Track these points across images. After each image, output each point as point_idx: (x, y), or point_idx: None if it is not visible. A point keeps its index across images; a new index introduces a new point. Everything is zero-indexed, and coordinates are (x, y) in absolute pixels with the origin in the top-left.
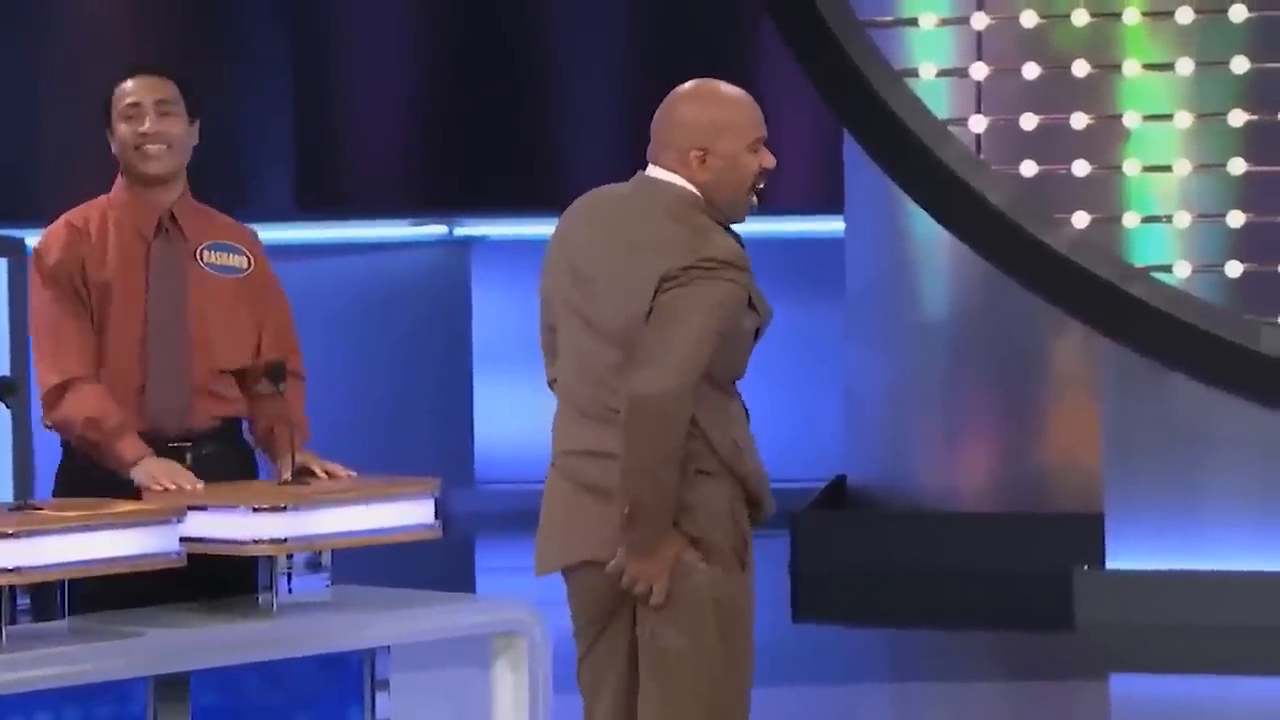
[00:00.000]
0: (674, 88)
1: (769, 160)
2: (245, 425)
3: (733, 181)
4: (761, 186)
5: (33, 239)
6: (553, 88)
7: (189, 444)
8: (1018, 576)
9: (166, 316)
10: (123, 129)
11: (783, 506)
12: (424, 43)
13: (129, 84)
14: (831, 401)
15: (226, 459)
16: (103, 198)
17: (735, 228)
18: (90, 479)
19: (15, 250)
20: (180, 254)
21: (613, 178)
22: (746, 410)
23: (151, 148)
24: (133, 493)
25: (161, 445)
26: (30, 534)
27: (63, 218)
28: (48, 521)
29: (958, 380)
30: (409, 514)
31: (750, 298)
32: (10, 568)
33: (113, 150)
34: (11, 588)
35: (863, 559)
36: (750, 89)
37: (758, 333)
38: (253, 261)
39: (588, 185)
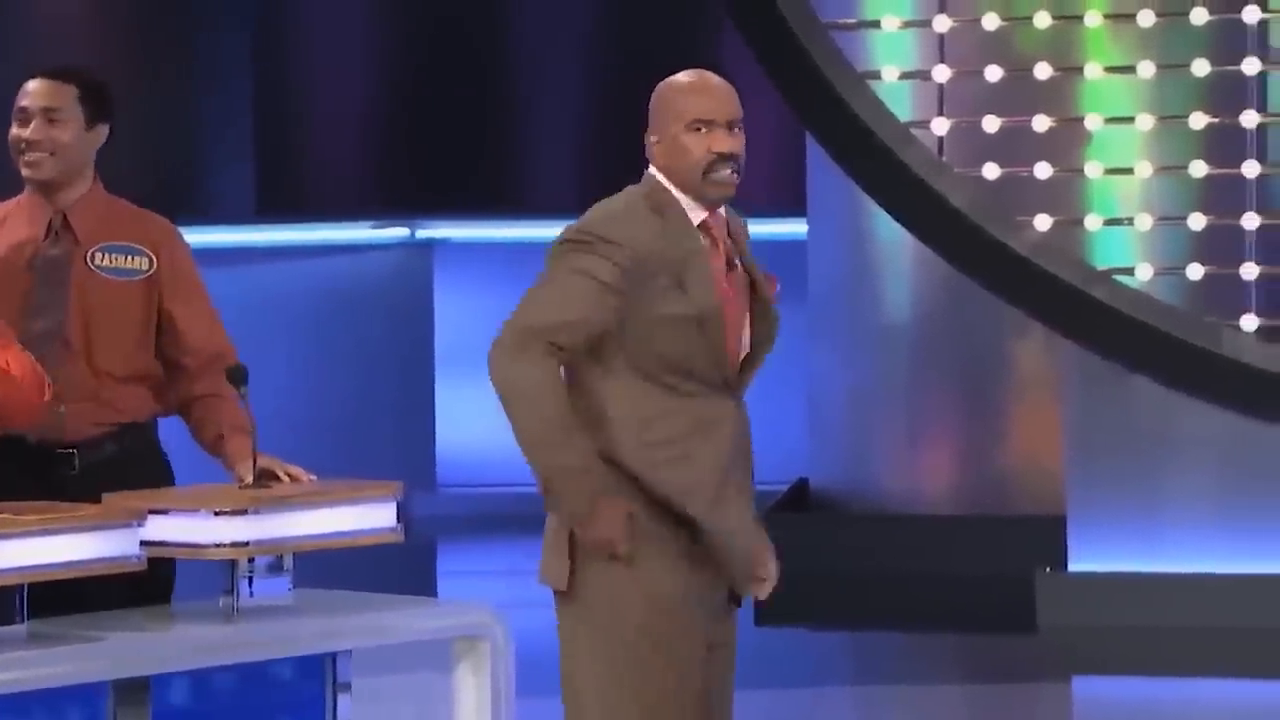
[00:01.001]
0: (635, 89)
1: (717, 143)
2: (155, 426)
3: (681, 165)
4: (728, 171)
5: None
6: (516, 89)
7: (73, 451)
8: (980, 579)
9: (45, 323)
10: (12, 132)
11: None
12: (386, 43)
13: (27, 86)
14: (794, 404)
15: (126, 464)
16: (14, 199)
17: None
18: None
19: None
20: (67, 257)
21: (575, 179)
22: (742, 417)
23: (30, 155)
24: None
25: (49, 453)
26: None
27: None
28: (5, 525)
29: (920, 383)
30: (371, 517)
31: (685, 281)
32: None
33: None
34: None
35: (825, 561)
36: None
37: (711, 327)
38: (154, 261)
39: (550, 187)
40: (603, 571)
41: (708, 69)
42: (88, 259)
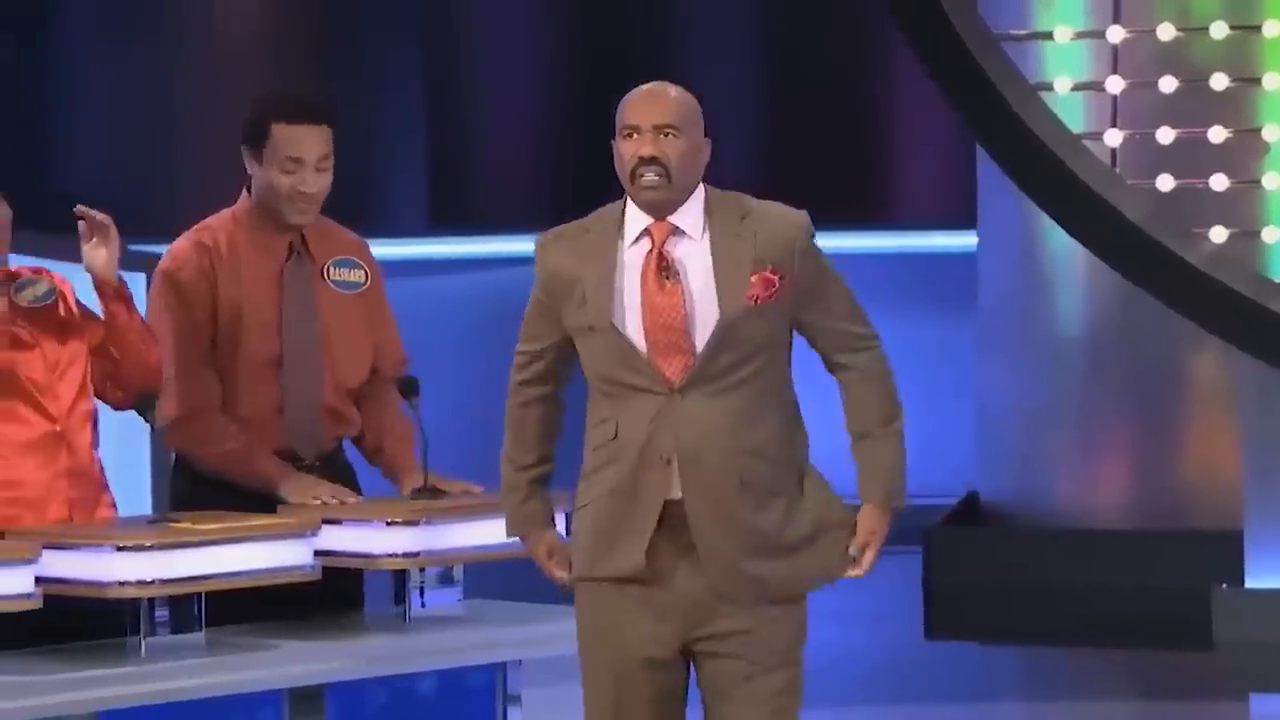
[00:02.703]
0: (802, 101)
1: (640, 147)
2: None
3: (620, 173)
4: (650, 174)
5: None
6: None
7: (319, 465)
8: (1155, 594)
9: (302, 341)
10: (281, 180)
11: (915, 522)
12: (555, 56)
13: (295, 131)
14: (963, 417)
15: (346, 477)
16: (227, 213)
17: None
18: (200, 493)
19: (153, 264)
20: (311, 275)
21: (737, 182)
22: (698, 414)
23: (305, 206)
24: (242, 505)
25: (297, 468)
26: (168, 547)
27: (188, 235)
28: (185, 535)
29: (1092, 395)
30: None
31: (586, 294)
32: (149, 580)
33: (250, 174)
34: (150, 600)
35: (996, 575)
36: (883, 103)
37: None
38: (369, 275)
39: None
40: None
41: (878, 81)
42: (324, 274)
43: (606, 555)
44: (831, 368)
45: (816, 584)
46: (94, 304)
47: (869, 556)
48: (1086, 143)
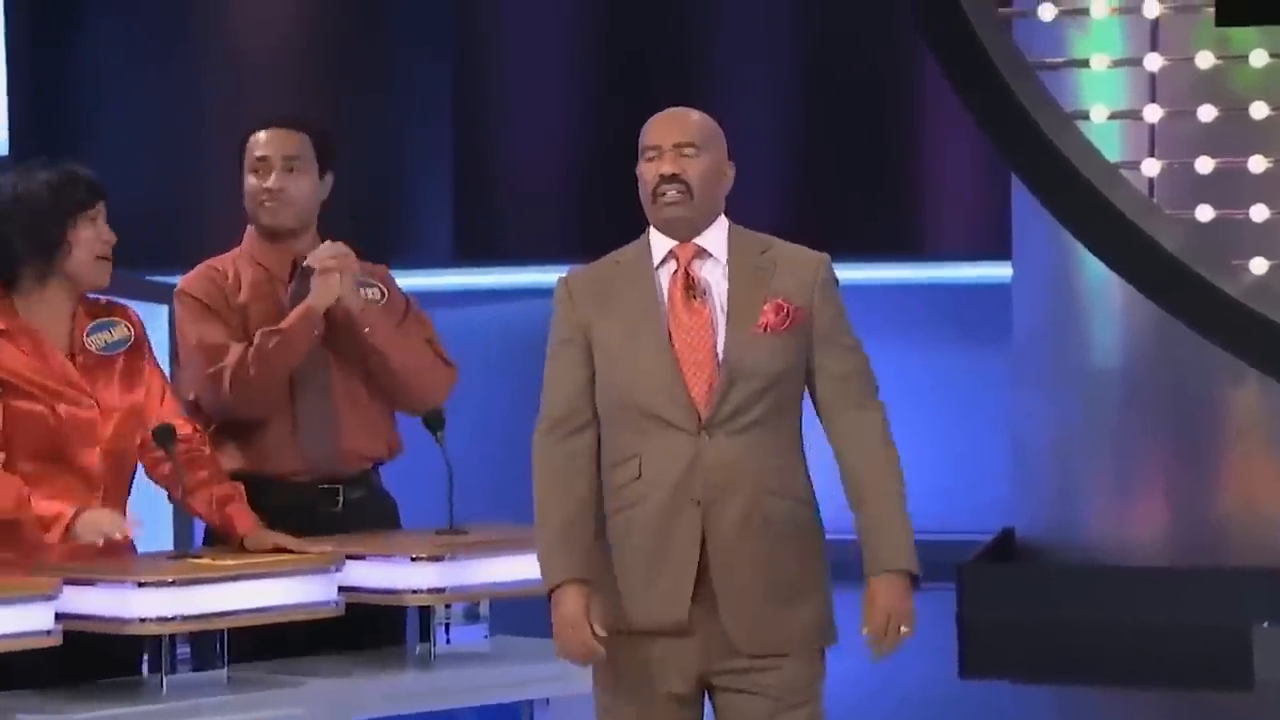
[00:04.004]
0: (831, 127)
1: (662, 166)
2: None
3: (642, 197)
4: (672, 190)
5: None
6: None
7: (338, 487)
8: (1193, 632)
9: (310, 361)
10: (250, 181)
11: (948, 559)
12: (585, 84)
13: (261, 135)
14: (997, 451)
15: (371, 504)
16: (235, 249)
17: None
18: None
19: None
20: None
21: (779, 214)
22: (723, 453)
23: (271, 204)
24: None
25: (314, 489)
26: (189, 583)
27: (202, 264)
28: (207, 570)
29: (1129, 428)
30: None
31: (609, 323)
32: (170, 616)
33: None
34: (171, 637)
35: (1031, 613)
36: (916, 131)
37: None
38: (385, 293)
39: (750, 225)
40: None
41: (910, 109)
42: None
43: (644, 605)
44: (829, 423)
45: (835, 637)
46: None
47: (892, 634)
48: (1123, 172)
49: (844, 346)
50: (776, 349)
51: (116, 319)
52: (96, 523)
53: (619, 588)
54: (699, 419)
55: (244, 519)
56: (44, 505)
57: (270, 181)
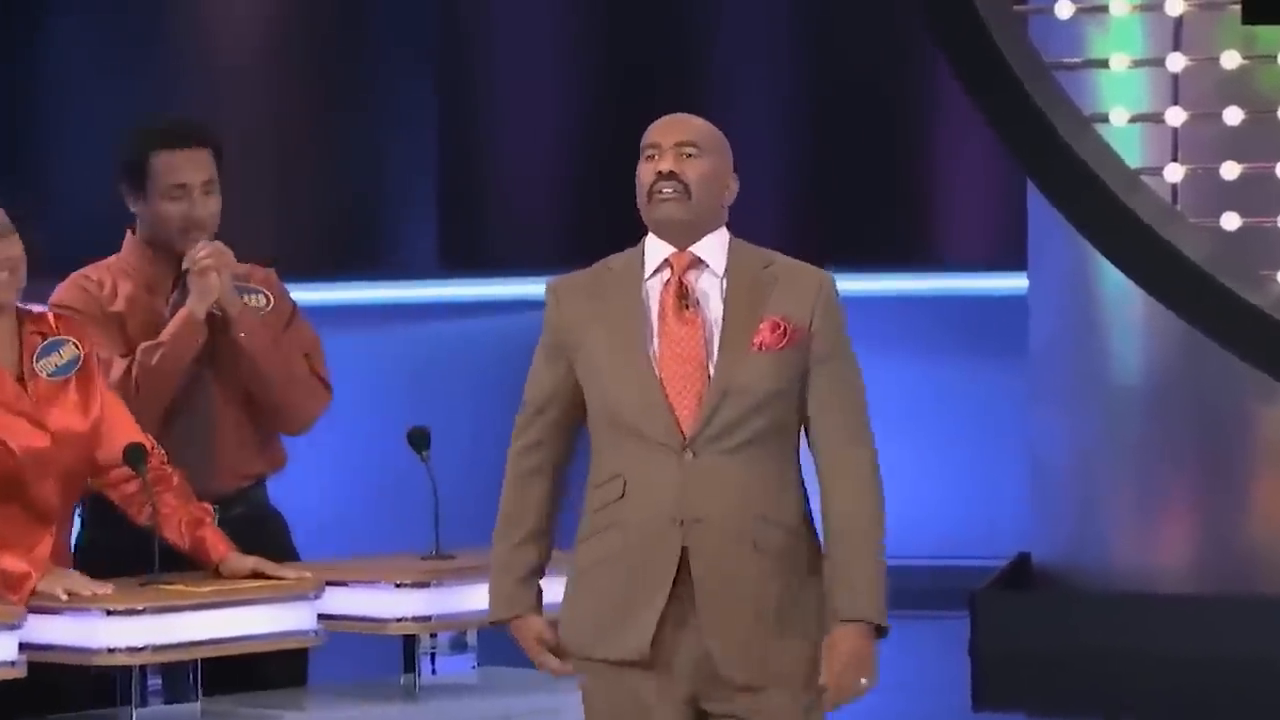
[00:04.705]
0: (837, 128)
1: (660, 164)
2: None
3: (639, 200)
4: (667, 188)
5: None
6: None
7: (214, 506)
8: (1221, 664)
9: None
10: (170, 209)
11: (961, 585)
12: (578, 87)
13: (175, 158)
14: (1014, 472)
15: (253, 522)
16: (110, 259)
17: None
18: (112, 547)
19: None
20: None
21: (772, 221)
22: (705, 475)
23: (200, 234)
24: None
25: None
26: (161, 611)
27: (70, 278)
28: (179, 598)
29: (1153, 448)
30: (558, 590)
31: (600, 332)
32: (140, 646)
33: (131, 209)
34: (142, 668)
35: (1049, 643)
36: (927, 135)
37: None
38: (270, 299)
39: (750, 236)
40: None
41: (920, 111)
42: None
43: (611, 634)
44: (817, 455)
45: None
46: None
47: (848, 687)
48: (1145, 178)
49: (839, 375)
50: (771, 368)
51: (64, 338)
52: (65, 583)
53: (592, 614)
54: (683, 436)
55: (218, 543)
56: (8, 561)
57: (197, 210)
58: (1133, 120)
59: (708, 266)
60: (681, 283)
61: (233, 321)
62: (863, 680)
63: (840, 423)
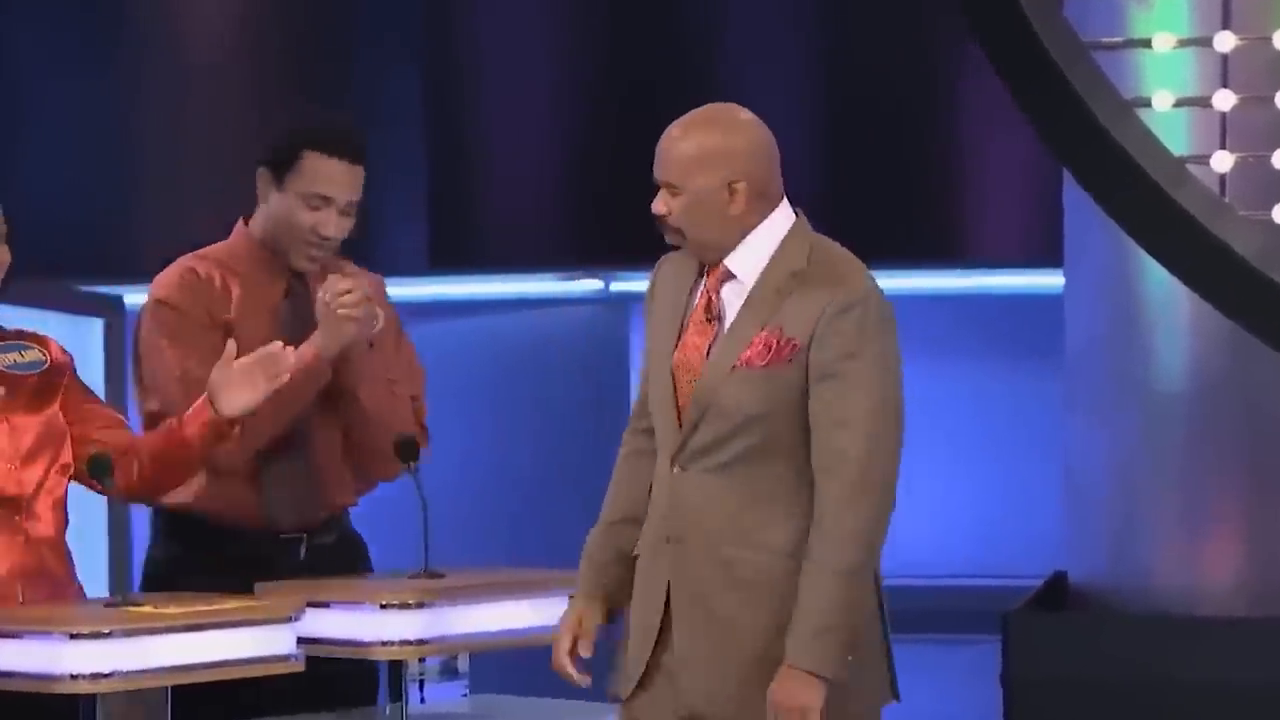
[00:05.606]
0: (861, 116)
1: (655, 204)
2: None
3: None
4: (666, 232)
5: (132, 297)
6: None
7: (303, 535)
8: (1271, 692)
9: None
10: (303, 215)
11: (992, 606)
12: (572, 79)
13: (331, 166)
14: (1048, 484)
15: (338, 549)
16: (221, 245)
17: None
18: (187, 564)
19: (112, 309)
20: (309, 318)
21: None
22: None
23: (319, 253)
24: (241, 584)
25: (276, 539)
26: (129, 634)
27: (178, 262)
28: (148, 620)
29: (1198, 458)
30: (556, 613)
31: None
32: (107, 673)
33: (259, 197)
34: (107, 695)
35: (1087, 668)
36: (955, 123)
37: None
38: (382, 317)
39: None
40: None
41: (946, 97)
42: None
43: (620, 671)
44: (815, 487)
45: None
46: None
47: None
48: (1191, 167)
49: (837, 394)
50: (752, 387)
51: (29, 344)
52: None
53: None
54: (674, 446)
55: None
56: None
57: (328, 229)
58: (1178, 105)
59: (735, 278)
60: (709, 296)
61: (352, 372)
62: None
63: (824, 445)
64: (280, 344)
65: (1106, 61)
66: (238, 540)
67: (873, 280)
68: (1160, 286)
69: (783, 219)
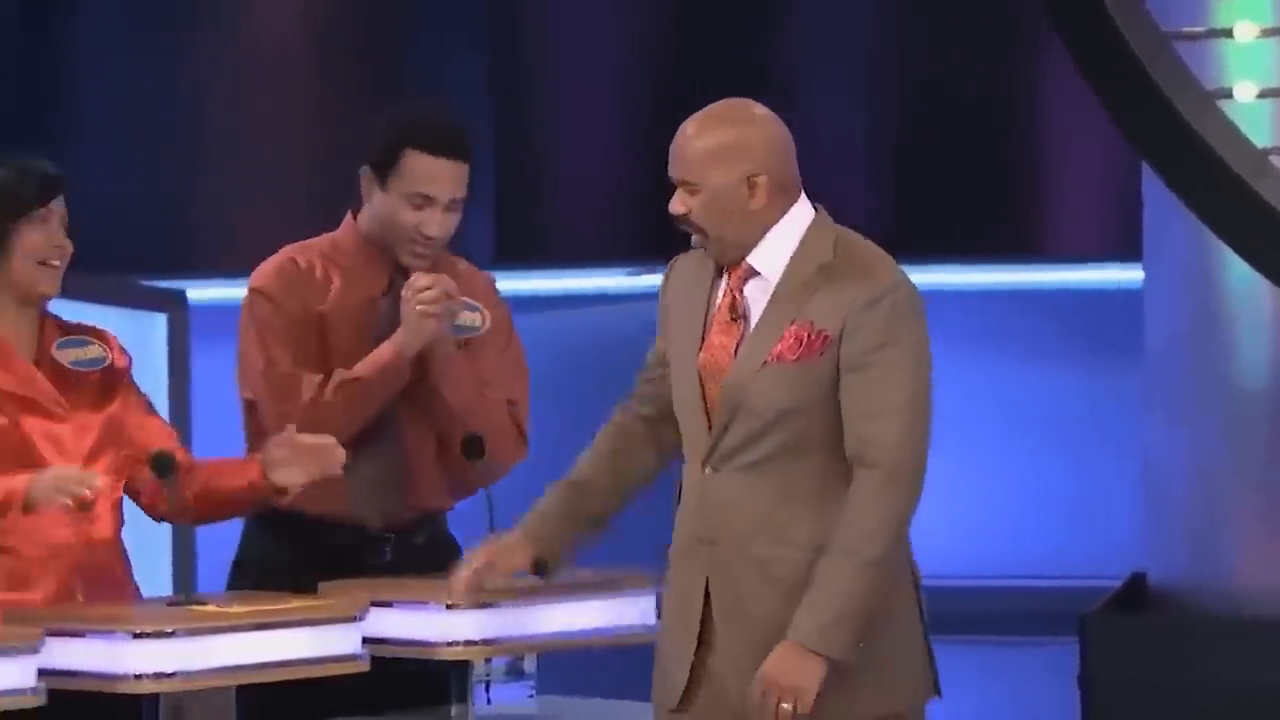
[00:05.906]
0: (931, 117)
1: (673, 204)
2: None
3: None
4: (686, 229)
5: (195, 291)
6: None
7: (391, 535)
8: None
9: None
10: (406, 215)
11: (1071, 608)
12: (640, 69)
13: (432, 165)
14: (1127, 483)
15: (431, 550)
16: (326, 238)
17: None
18: (278, 559)
19: (175, 303)
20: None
21: (864, 211)
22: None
23: (426, 250)
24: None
25: (365, 536)
26: (192, 633)
27: (280, 253)
28: (212, 619)
29: None
30: (625, 613)
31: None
32: (170, 672)
33: (365, 200)
34: (171, 695)
35: (1167, 672)
36: (1032, 116)
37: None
38: (486, 318)
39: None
40: None
41: (1024, 90)
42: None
43: (661, 677)
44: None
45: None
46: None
47: (768, 707)
48: (1274, 159)
49: (869, 383)
50: (785, 383)
51: (90, 339)
52: (56, 480)
53: (660, 653)
54: (704, 447)
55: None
56: None
57: (431, 228)
58: (1261, 96)
59: (760, 275)
60: (733, 296)
61: (437, 367)
62: (784, 705)
63: (856, 435)
64: (334, 439)
65: (1188, 52)
66: (328, 536)
67: (901, 272)
68: (1242, 281)
69: (803, 213)
